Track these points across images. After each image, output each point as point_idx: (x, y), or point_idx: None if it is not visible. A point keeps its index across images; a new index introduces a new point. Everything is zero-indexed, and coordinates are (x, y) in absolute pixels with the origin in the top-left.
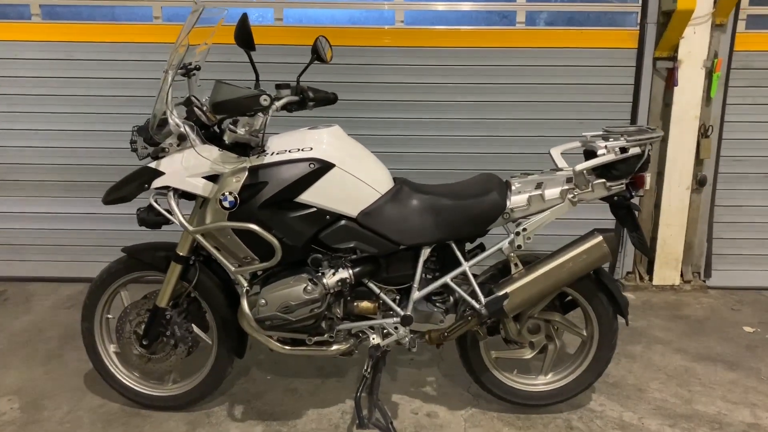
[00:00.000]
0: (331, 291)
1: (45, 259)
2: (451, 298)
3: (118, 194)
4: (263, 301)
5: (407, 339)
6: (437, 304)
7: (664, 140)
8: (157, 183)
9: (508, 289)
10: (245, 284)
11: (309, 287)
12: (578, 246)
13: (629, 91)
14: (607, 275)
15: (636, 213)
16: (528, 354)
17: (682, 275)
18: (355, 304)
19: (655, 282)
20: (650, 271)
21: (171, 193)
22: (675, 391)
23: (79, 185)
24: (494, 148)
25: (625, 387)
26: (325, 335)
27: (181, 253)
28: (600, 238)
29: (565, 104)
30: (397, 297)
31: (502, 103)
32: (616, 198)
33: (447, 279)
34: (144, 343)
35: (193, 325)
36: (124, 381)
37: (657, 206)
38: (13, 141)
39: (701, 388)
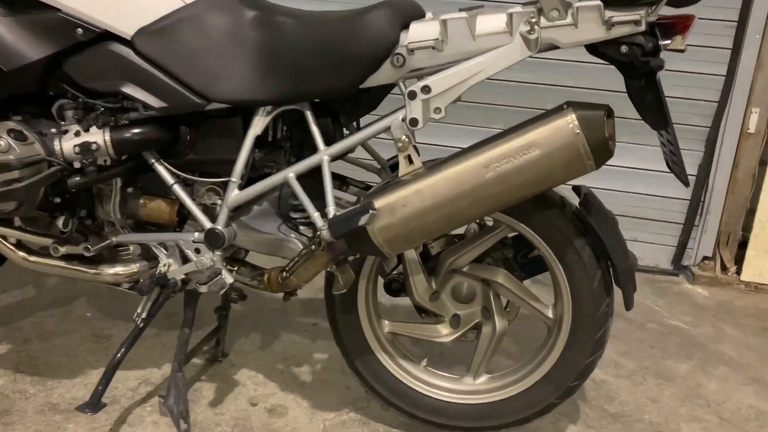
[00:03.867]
0: (65, 162)
1: None
2: None
3: None
4: None
5: (206, 278)
6: (302, 223)
7: None
8: None
9: (380, 202)
10: None
11: (1, 143)
12: (527, 130)
13: None
14: (600, 209)
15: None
16: (445, 334)
17: None
18: (142, 201)
19: (744, 277)
20: (740, 260)
21: None
22: None
23: None
24: None
25: (634, 425)
26: (81, 246)
27: None
28: (572, 115)
29: None
30: (219, 201)
31: None
32: (624, 50)
33: (288, 173)
34: None
35: None
36: None
37: (764, 163)
38: None
39: None
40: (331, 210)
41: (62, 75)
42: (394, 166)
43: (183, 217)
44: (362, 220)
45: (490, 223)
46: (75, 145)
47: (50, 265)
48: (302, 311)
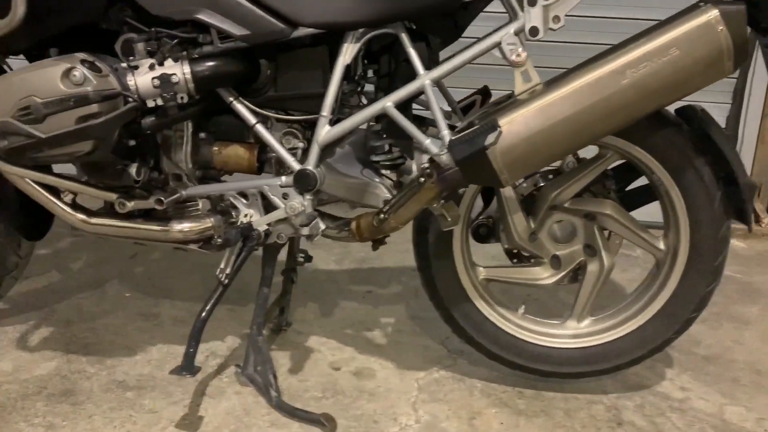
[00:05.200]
0: (138, 99)
1: None
2: (417, 161)
3: None
4: None
5: (305, 220)
6: (385, 166)
7: None
8: None
9: (504, 119)
10: None
11: (76, 74)
12: (664, 30)
13: None
14: (718, 126)
15: None
16: (546, 276)
17: None
18: (216, 148)
19: None
20: None
21: None
22: None
23: None
24: None
25: (730, 365)
26: (151, 199)
27: None
28: (713, 11)
29: None
30: (302, 145)
31: None
32: None
33: (387, 102)
34: None
35: None
36: None
37: None
38: None
39: None
40: (446, 134)
41: (127, 5)
42: (466, 109)
43: (261, 164)
44: (489, 139)
45: (587, 157)
46: (153, 78)
47: (114, 226)
48: (352, 280)
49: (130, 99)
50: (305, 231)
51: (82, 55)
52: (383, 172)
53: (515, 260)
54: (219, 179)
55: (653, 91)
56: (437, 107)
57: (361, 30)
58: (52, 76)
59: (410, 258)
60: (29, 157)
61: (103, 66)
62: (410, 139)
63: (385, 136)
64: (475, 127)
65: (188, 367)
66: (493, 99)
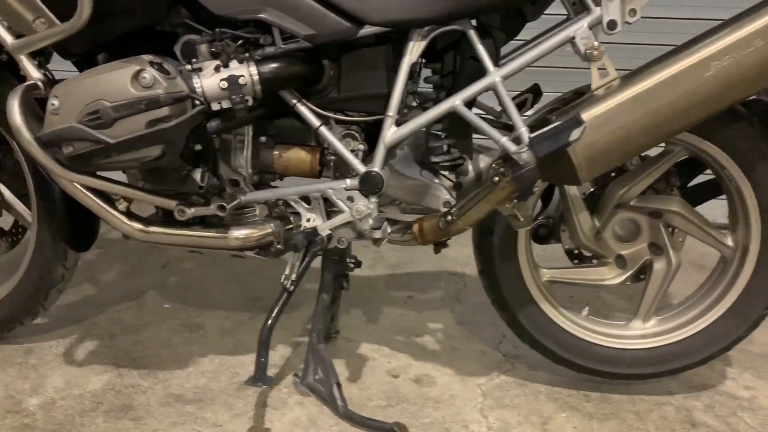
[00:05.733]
0: (204, 101)
1: None
2: (475, 162)
3: None
4: (54, 102)
5: (373, 224)
6: (444, 167)
7: None
8: None
9: (587, 114)
10: (34, 73)
11: (146, 76)
12: (747, 21)
13: None
14: None
15: None
16: (612, 276)
17: None
18: (277, 152)
19: None
20: None
21: None
22: None
23: None
24: None
25: None
26: (213, 205)
27: None
28: None
29: None
30: (362, 147)
31: None
32: None
33: (456, 101)
34: None
35: (1, 187)
36: None
37: None
38: None
39: None
40: (524, 131)
41: (187, 5)
42: (518, 107)
43: (320, 167)
44: (574, 135)
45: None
46: (222, 80)
47: (172, 234)
48: (389, 286)
49: (198, 102)
50: (377, 234)
51: (149, 57)
52: (442, 173)
53: (576, 261)
54: (270, 184)
55: (737, 84)
56: (510, 103)
57: (427, 27)
58: (122, 79)
59: (444, 262)
60: (94, 163)
61: (170, 68)
62: (469, 138)
63: (444, 136)
64: (558, 123)
65: (262, 377)
66: (558, 96)
